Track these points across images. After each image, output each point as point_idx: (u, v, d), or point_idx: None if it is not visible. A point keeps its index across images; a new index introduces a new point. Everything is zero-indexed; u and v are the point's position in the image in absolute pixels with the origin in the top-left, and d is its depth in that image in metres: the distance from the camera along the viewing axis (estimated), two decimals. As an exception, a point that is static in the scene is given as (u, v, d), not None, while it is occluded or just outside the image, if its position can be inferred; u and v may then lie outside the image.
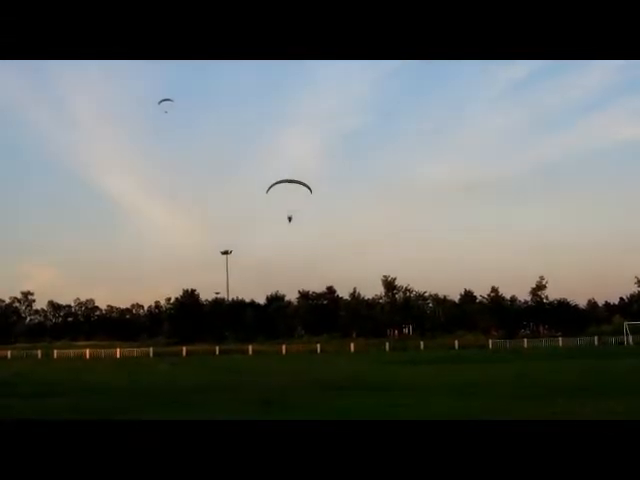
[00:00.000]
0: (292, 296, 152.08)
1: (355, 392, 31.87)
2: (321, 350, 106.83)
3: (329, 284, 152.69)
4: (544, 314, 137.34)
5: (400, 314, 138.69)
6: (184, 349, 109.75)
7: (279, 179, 41.80)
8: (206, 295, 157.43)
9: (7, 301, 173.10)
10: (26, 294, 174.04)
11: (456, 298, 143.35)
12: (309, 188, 40.82)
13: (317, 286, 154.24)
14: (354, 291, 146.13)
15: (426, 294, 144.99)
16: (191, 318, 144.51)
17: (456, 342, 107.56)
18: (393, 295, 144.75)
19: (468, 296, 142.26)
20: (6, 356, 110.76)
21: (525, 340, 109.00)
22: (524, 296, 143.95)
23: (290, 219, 43.14)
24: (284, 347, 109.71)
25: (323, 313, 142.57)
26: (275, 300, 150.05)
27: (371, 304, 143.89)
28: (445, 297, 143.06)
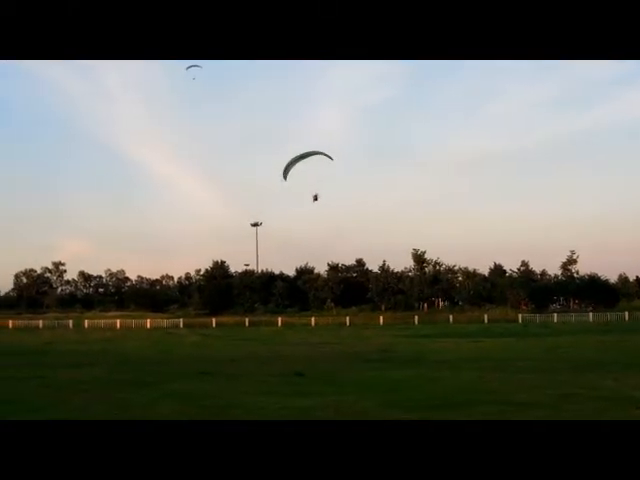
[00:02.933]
0: (321, 268, 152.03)
1: (384, 364, 31.96)
2: (350, 323, 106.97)
3: (358, 256, 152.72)
4: (574, 289, 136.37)
5: (429, 287, 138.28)
6: (214, 320, 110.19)
7: (293, 158, 40.33)
8: (236, 267, 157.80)
9: (39, 271, 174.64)
10: (57, 264, 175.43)
11: (486, 272, 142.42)
12: (329, 156, 39.98)
13: (346, 258, 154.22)
14: (383, 264, 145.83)
15: (455, 267, 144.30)
16: (221, 290, 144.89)
17: (485, 316, 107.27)
18: (422, 268, 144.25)
19: (498, 270, 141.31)
20: (38, 326, 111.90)
21: (555, 315, 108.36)
22: (554, 270, 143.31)
23: (316, 198, 42.25)
24: (313, 319, 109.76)
25: (352, 286, 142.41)
26: (304, 272, 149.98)
27: (400, 277, 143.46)
28: (475, 271, 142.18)
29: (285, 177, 40.49)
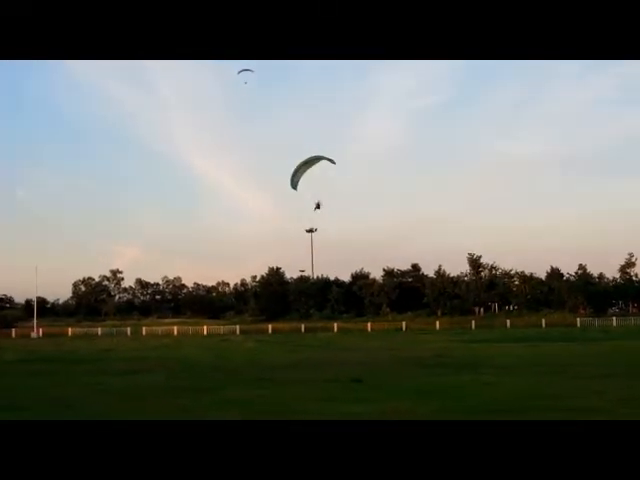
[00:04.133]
0: (377, 274, 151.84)
1: (442, 370, 31.74)
2: (406, 328, 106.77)
3: (414, 261, 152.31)
4: (633, 292, 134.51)
5: (486, 292, 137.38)
6: (270, 327, 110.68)
7: (298, 165, 39.73)
8: (291, 273, 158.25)
9: (97, 279, 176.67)
10: (115, 272, 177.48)
11: (543, 275, 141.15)
12: (331, 161, 39.58)
13: (402, 263, 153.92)
14: (439, 269, 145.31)
15: (512, 271, 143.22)
16: (276, 296, 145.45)
17: (543, 320, 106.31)
18: (478, 273, 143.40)
19: (555, 273, 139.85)
20: (96, 333, 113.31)
21: (614, 319, 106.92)
22: (612, 274, 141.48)
23: (318, 206, 41.82)
24: (369, 325, 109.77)
25: (408, 291, 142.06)
26: (360, 278, 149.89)
27: (456, 282, 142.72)
28: (532, 274, 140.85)
29: (295, 187, 40.22)
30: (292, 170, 38.85)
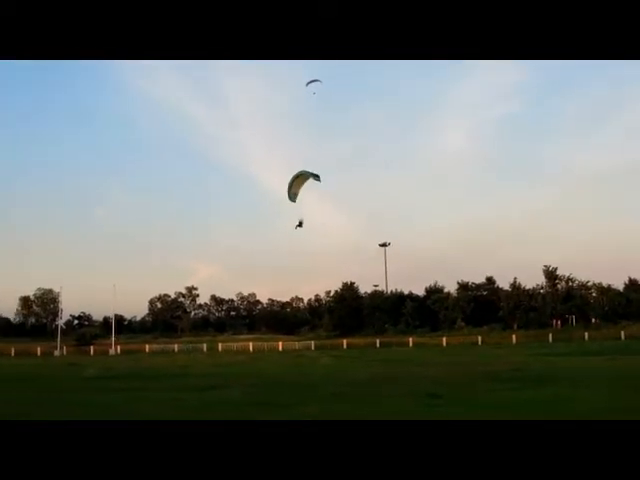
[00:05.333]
0: (451, 287, 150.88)
1: (520, 384, 31.33)
2: (482, 342, 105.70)
3: (489, 274, 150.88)
4: None
5: (562, 304, 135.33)
6: (344, 342, 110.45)
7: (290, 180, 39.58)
8: (365, 287, 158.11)
9: (173, 296, 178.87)
10: (190, 289, 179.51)
11: (620, 287, 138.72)
12: (317, 176, 39.25)
13: (476, 276, 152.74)
14: (514, 281, 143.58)
15: (589, 283, 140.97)
16: (351, 311, 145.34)
17: (622, 333, 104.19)
18: (555, 285, 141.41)
19: (633, 285, 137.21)
20: (173, 349, 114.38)
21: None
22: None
23: (301, 224, 41.49)
24: (444, 339, 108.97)
25: (483, 304, 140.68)
26: (434, 292, 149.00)
27: (532, 294, 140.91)
28: (609, 286, 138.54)
29: (292, 199, 40.18)
30: (292, 184, 39.07)
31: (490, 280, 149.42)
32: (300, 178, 38.83)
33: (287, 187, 39.14)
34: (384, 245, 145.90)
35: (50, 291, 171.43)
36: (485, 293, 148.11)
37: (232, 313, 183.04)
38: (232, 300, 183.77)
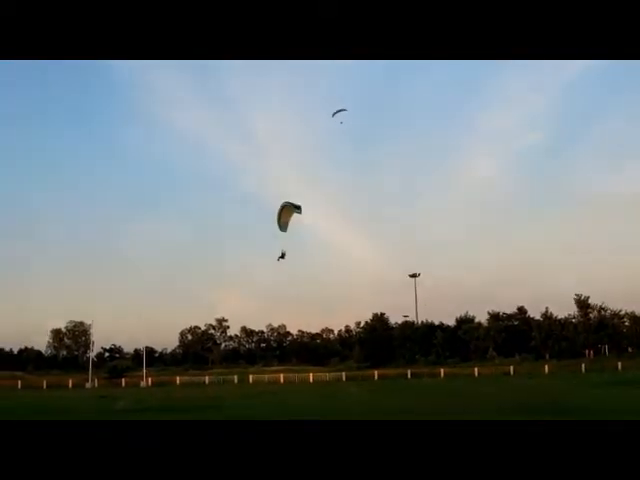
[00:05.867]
0: (482, 317, 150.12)
1: (559, 417, 31.02)
2: (514, 372, 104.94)
3: (520, 304, 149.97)
4: None
5: (595, 334, 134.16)
6: (375, 373, 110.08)
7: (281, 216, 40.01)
8: (395, 318, 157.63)
9: (203, 328, 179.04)
10: (220, 321, 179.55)
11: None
12: (298, 207, 39.33)
13: (507, 306, 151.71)
14: (546, 311, 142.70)
15: (622, 312, 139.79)
16: (381, 342, 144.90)
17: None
18: (587, 314, 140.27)
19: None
20: (204, 381, 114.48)
21: None
22: None
23: (283, 256, 41.59)
24: (476, 369, 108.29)
25: (514, 334, 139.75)
26: (465, 322, 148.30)
27: (564, 324, 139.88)
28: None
29: (283, 229, 40.41)
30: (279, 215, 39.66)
31: (521, 310, 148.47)
32: (286, 209, 39.24)
33: (276, 218, 39.62)
34: (414, 276, 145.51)
35: (81, 324, 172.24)
36: (516, 323, 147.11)
37: (262, 345, 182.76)
38: (262, 332, 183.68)
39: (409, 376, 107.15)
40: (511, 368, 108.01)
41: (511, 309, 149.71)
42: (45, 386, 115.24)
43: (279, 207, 39.97)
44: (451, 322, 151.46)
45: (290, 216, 40.03)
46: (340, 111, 58.50)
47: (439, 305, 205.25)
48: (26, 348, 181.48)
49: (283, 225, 40.09)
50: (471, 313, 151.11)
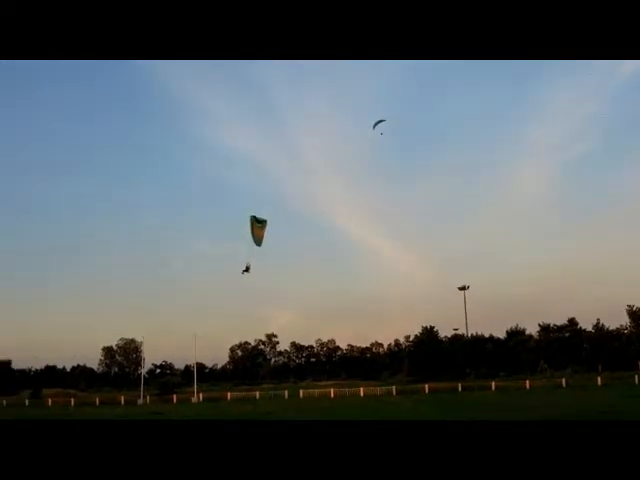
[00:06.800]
0: (532, 329, 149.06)
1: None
2: (566, 384, 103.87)
3: (570, 315, 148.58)
4: None
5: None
6: (426, 387, 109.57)
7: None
8: (445, 332, 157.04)
9: (253, 344, 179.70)
10: (270, 336, 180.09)
11: None
12: (262, 221, 39.65)
13: (558, 318, 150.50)
14: (597, 322, 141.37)
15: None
16: (431, 355, 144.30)
17: None
18: (639, 325, 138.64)
19: None
20: (254, 397, 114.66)
21: None
22: None
23: (247, 269, 41.53)
24: (527, 382, 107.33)
25: (566, 346, 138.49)
26: (515, 334, 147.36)
27: (616, 335, 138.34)
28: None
29: (259, 244, 40.57)
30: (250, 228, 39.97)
31: (572, 321, 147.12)
32: (257, 224, 39.54)
33: (250, 232, 39.89)
34: (463, 288, 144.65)
35: (132, 341, 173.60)
36: (567, 335, 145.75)
37: (312, 359, 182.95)
38: (312, 346, 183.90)
39: (460, 389, 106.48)
40: (563, 380, 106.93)
41: (562, 321, 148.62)
42: (98, 403, 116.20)
43: (249, 223, 40.34)
44: (501, 335, 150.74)
45: (264, 230, 40.32)
46: (380, 122, 58.30)
47: (489, 318, 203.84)
48: (78, 366, 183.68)
49: (259, 240, 40.41)
50: (521, 325, 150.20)
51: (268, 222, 41.76)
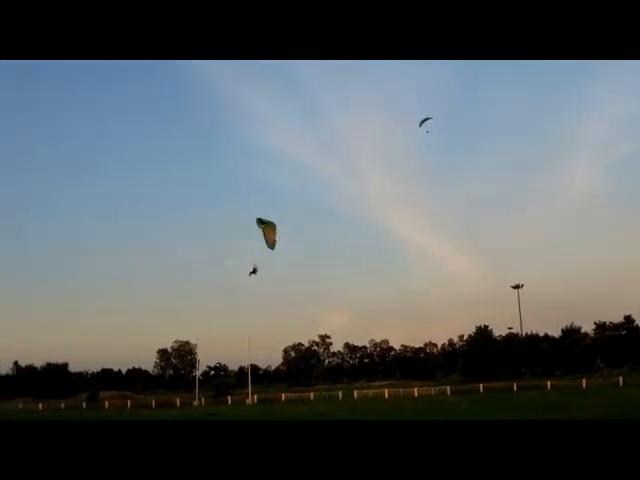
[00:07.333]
0: (588, 327, 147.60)
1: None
2: (623, 383, 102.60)
3: (627, 313, 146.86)
4: None
5: None
6: (481, 386, 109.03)
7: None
8: (499, 331, 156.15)
9: (306, 345, 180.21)
10: (323, 337, 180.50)
11: None
12: (263, 223, 39.51)
13: (614, 316, 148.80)
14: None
15: None
16: (485, 355, 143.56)
17: None
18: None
19: None
20: (308, 398, 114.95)
21: None
22: None
23: (255, 271, 41.27)
24: (584, 381, 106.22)
25: (622, 344, 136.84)
26: (570, 332, 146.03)
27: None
28: None
29: (272, 247, 40.41)
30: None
31: (629, 319, 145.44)
32: (266, 226, 39.46)
33: (263, 237, 39.89)
34: (517, 287, 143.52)
35: (187, 343, 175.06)
36: (624, 333, 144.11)
37: (365, 360, 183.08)
38: (365, 347, 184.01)
39: (515, 389, 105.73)
40: (620, 379, 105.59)
41: (618, 319, 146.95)
42: (154, 405, 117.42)
43: (259, 226, 40.39)
44: (556, 333, 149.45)
45: (274, 233, 40.34)
46: (426, 120, 58.19)
47: (543, 316, 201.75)
48: (134, 368, 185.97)
49: (271, 244, 40.48)
50: (577, 324, 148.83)
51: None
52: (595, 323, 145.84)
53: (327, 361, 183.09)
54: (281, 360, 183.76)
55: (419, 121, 58.31)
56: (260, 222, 39.86)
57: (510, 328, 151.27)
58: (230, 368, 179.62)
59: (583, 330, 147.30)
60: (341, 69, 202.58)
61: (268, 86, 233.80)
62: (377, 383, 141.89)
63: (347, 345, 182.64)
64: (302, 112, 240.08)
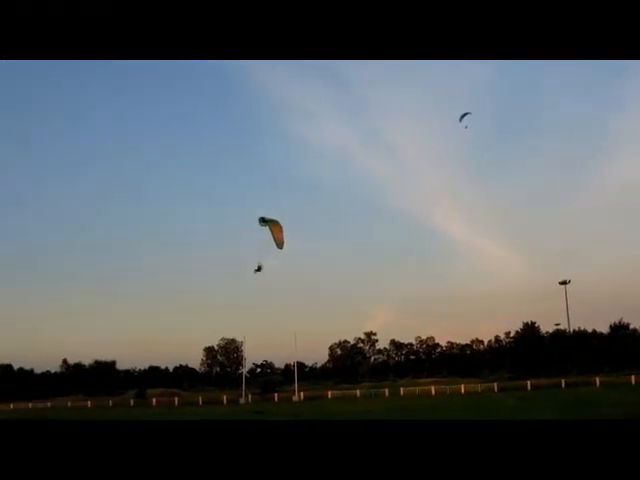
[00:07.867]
0: (637, 323, 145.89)
1: None
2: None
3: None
4: None
5: None
6: (528, 383, 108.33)
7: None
8: (546, 327, 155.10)
9: (352, 342, 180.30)
10: (369, 334, 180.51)
11: None
12: (265, 221, 39.25)
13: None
14: None
15: None
16: (532, 351, 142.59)
17: None
18: None
19: None
20: (355, 395, 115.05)
21: None
22: None
23: (259, 268, 41.06)
24: (633, 378, 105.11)
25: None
26: (619, 329, 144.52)
27: None
28: None
29: (281, 247, 40.16)
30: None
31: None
32: (272, 225, 39.35)
33: (271, 237, 39.79)
34: (564, 283, 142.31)
35: (233, 340, 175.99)
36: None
37: (411, 357, 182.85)
38: (411, 344, 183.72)
39: (563, 385, 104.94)
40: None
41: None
42: (201, 402, 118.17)
43: (266, 226, 40.31)
44: (605, 329, 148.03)
45: (281, 232, 40.30)
46: (465, 115, 57.98)
47: (591, 312, 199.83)
48: (181, 366, 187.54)
49: (280, 244, 40.45)
50: (625, 319, 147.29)
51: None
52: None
53: (373, 358, 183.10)
54: (327, 357, 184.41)
55: (466, 119, 58.14)
56: (262, 221, 40.00)
57: (557, 324, 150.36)
58: (276, 365, 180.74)
59: (632, 326, 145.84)
60: (390, 68, 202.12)
61: (315, 84, 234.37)
62: (423, 380, 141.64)
63: (393, 342, 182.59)
64: (348, 109, 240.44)
